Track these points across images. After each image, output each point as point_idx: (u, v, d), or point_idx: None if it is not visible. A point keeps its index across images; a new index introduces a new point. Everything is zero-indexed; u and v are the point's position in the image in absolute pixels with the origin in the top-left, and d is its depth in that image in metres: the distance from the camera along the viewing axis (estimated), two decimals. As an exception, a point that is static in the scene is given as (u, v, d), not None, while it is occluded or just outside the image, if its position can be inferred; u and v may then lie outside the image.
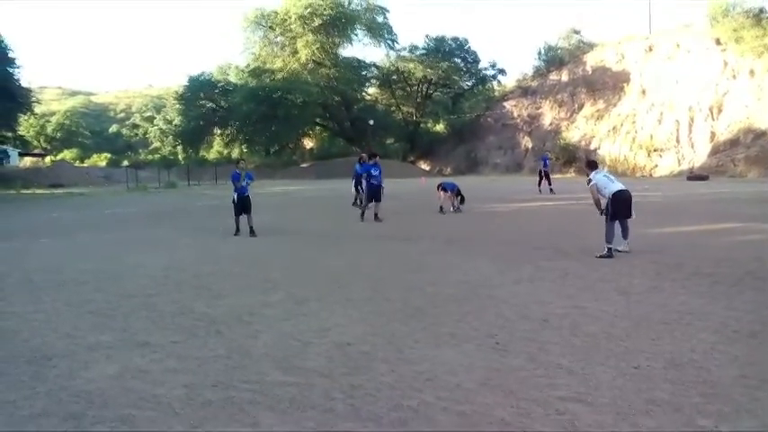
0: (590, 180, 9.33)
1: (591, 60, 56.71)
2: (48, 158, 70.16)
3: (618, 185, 9.10)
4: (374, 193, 14.85)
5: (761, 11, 42.75)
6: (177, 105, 67.22)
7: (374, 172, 15.17)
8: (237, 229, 12.47)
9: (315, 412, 3.51)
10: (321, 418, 3.42)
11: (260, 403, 3.66)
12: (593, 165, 9.93)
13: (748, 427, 3.19)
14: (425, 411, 3.49)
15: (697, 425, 3.23)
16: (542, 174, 24.31)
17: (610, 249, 8.71)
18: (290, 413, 3.51)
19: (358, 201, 17.38)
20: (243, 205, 12.60)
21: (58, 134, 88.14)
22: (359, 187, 17.35)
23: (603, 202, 9.15)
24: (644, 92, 49.85)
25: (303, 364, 4.35)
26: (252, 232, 12.25)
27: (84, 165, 71.28)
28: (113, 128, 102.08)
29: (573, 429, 3.23)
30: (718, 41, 44.72)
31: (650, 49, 51.64)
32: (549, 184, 23.89)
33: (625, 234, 9.13)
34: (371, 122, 58.57)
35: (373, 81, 71.88)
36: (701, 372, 4.02)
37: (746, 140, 38.38)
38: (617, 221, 9.00)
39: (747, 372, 3.99)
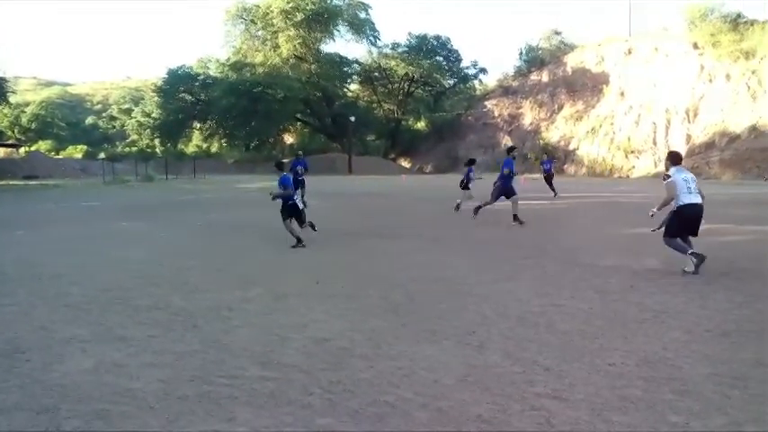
0: (667, 176, 7.75)
1: (571, 61, 57.30)
2: (22, 149, 68.77)
3: (693, 198, 7.45)
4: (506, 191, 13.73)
5: (738, 16, 43.57)
6: (156, 98, 66.49)
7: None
8: (299, 240, 9.97)
9: (292, 407, 3.51)
10: (299, 414, 3.42)
11: (237, 398, 3.64)
12: (677, 158, 7.99)
13: (718, 425, 3.26)
14: (403, 407, 3.51)
15: (669, 422, 3.30)
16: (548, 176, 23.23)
17: (694, 254, 7.36)
18: (267, 408, 3.50)
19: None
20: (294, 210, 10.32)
21: (33, 125, 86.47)
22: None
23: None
24: (622, 94, 50.53)
25: (281, 360, 4.34)
26: (312, 226, 10.46)
27: (60, 156, 70.16)
28: (90, 119, 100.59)
29: (548, 425, 3.27)
30: (695, 45, 45.47)
31: (629, 52, 52.33)
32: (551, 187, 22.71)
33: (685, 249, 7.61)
34: (353, 119, 58.52)
35: (355, 77, 71.84)
36: (673, 369, 4.10)
37: (721, 144, 39.12)
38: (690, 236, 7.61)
39: (719, 370, 4.08)
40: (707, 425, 3.25)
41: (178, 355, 4.46)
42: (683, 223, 7.48)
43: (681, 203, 7.44)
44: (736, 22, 43.36)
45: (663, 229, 7.69)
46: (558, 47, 60.97)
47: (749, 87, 40.77)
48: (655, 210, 7.87)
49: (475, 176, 17.12)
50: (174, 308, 5.87)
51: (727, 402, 3.54)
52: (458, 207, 16.25)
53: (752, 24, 42.85)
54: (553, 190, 22.31)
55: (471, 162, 18.39)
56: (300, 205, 10.38)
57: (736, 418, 3.32)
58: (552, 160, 24.84)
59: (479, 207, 13.98)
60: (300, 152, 22.16)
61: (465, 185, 17.09)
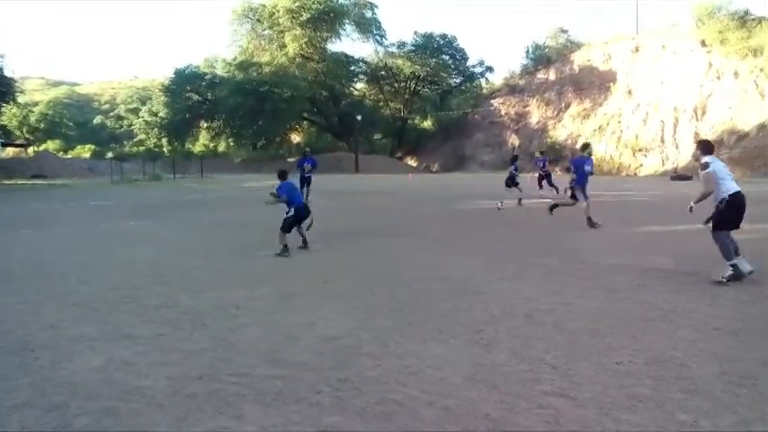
0: (706, 164, 6.96)
1: (578, 60, 57.13)
2: (30, 149, 69.23)
3: (735, 184, 6.92)
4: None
5: (746, 13, 43.29)
6: (163, 97, 66.78)
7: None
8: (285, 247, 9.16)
9: (300, 405, 3.52)
10: (307, 412, 3.43)
11: (245, 396, 3.66)
12: (708, 147, 7.28)
13: (727, 424, 3.24)
14: (410, 405, 3.51)
15: (677, 420, 3.28)
16: (542, 175, 22.12)
17: (735, 267, 6.71)
18: (275, 406, 3.51)
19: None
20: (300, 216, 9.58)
21: (41, 124, 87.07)
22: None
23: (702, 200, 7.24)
24: (630, 92, 50.33)
25: (289, 358, 4.35)
26: (304, 243, 9.70)
27: (68, 156, 70.56)
28: (97, 119, 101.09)
29: (556, 424, 3.26)
30: (703, 43, 45.24)
31: (636, 50, 52.11)
32: (540, 187, 21.79)
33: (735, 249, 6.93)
34: (359, 118, 58.61)
35: (361, 76, 71.92)
36: (682, 368, 4.08)
37: (730, 141, 38.92)
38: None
39: (727, 369, 4.06)
40: (716, 424, 3.24)
41: (186, 353, 4.48)
42: (733, 213, 6.78)
43: (731, 191, 6.77)
44: (744, 20, 43.10)
45: (710, 222, 7.01)
46: (564, 45, 60.82)
47: (757, 85, 40.54)
48: (692, 204, 7.17)
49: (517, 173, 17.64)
50: (181, 306, 5.89)
51: (736, 401, 3.52)
52: (520, 202, 16.61)
53: (760, 22, 42.57)
54: (555, 188, 21.13)
55: (515, 159, 18.84)
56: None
57: (745, 417, 3.31)
58: (546, 159, 23.45)
59: (555, 206, 12.97)
60: (308, 149, 21.97)
61: (511, 183, 17.22)
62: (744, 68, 41.96)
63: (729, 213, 6.78)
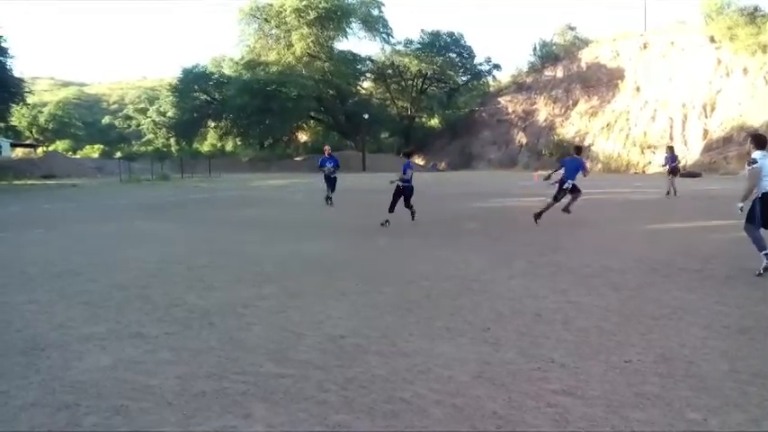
0: (754, 161, 7.00)
1: (586, 57, 56.91)
2: (40, 149, 69.71)
3: None
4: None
5: (755, 9, 42.95)
6: (171, 97, 67.05)
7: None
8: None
9: (308, 404, 3.52)
10: (314, 410, 3.44)
11: (253, 395, 3.67)
12: (761, 142, 7.23)
13: (737, 421, 3.23)
14: (418, 403, 3.51)
15: (686, 418, 3.27)
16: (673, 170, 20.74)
17: None
18: (283, 405, 3.52)
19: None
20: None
21: (51, 125, 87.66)
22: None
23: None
24: (638, 89, 50.08)
25: (297, 356, 4.36)
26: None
27: (77, 156, 70.97)
28: (106, 119, 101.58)
29: (564, 422, 3.25)
30: (712, 39, 44.94)
31: (645, 47, 51.84)
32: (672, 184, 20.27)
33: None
34: (366, 116, 58.63)
35: (368, 75, 71.94)
36: (690, 366, 4.06)
37: (739, 138, 38.63)
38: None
39: (737, 366, 4.03)
40: (725, 422, 3.22)
41: (195, 351, 4.50)
42: (761, 211, 6.94)
43: (765, 190, 6.92)
44: (754, 15, 42.76)
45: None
46: (572, 42, 60.58)
47: (767, 81, 40.20)
48: (741, 204, 7.13)
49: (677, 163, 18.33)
50: (190, 305, 5.92)
51: (746, 399, 3.50)
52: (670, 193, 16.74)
53: (769, 17, 42.20)
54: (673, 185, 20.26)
55: (670, 148, 20.14)
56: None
57: (755, 415, 3.29)
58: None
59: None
60: (328, 147, 20.66)
61: (672, 170, 18.97)
62: (753, 65, 41.64)
63: (758, 210, 6.96)
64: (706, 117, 43.33)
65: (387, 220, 12.04)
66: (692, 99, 44.40)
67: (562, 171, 12.46)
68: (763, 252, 6.90)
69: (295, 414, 3.39)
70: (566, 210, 12.76)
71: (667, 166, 20.68)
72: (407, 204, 12.42)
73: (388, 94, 70.70)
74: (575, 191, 12.46)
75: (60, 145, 79.40)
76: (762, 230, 7.06)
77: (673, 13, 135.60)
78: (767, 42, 40.98)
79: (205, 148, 72.85)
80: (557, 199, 12.39)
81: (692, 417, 3.28)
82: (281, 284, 6.86)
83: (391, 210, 12.25)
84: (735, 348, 4.42)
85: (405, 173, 12.54)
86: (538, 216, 12.29)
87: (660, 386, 3.72)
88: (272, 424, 3.27)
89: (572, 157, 12.93)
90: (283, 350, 4.51)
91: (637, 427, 3.18)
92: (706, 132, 42.51)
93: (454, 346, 4.59)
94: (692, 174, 36.31)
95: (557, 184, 12.42)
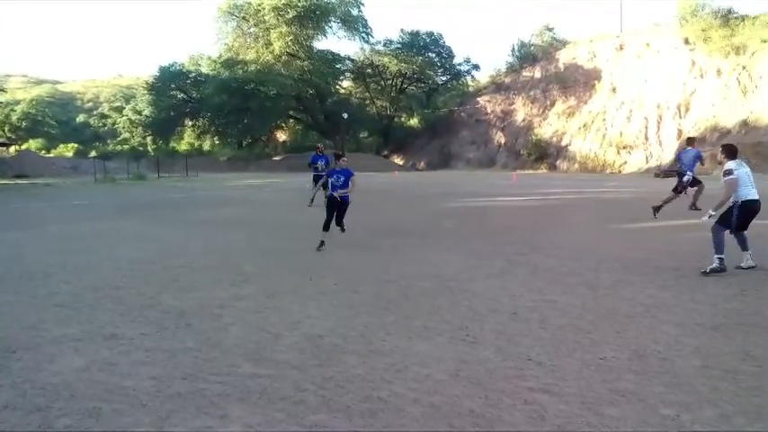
0: (729, 171, 7.08)
1: (563, 58, 57.50)
2: (12, 148, 68.28)
3: (755, 191, 7.14)
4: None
5: (729, 11, 43.78)
6: (147, 95, 66.19)
7: None
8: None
9: (285, 404, 3.50)
10: (291, 410, 3.42)
11: (230, 395, 3.64)
12: (732, 151, 7.41)
13: (709, 417, 3.28)
14: (396, 402, 3.51)
15: (659, 414, 3.32)
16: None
17: (722, 261, 6.99)
18: (260, 405, 3.50)
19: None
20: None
21: (23, 123, 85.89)
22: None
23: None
24: (614, 90, 50.74)
25: (274, 357, 4.34)
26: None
27: (51, 155, 69.81)
28: (80, 118, 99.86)
29: (540, 420, 3.28)
30: (686, 41, 45.71)
31: (621, 48, 52.55)
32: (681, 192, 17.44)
33: (746, 245, 7.29)
34: (345, 116, 58.46)
35: (348, 74, 71.80)
36: (664, 363, 4.12)
37: (712, 139, 39.32)
38: (726, 231, 7.15)
39: (709, 363, 4.11)
40: (697, 417, 3.28)
41: (170, 352, 4.45)
42: (745, 217, 7.08)
43: (747, 198, 7.02)
44: (727, 18, 43.59)
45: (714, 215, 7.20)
46: (550, 43, 61.15)
47: (740, 82, 41.02)
48: (713, 212, 7.18)
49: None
50: (165, 306, 5.85)
51: (718, 395, 3.57)
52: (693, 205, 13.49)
53: (742, 20, 43.07)
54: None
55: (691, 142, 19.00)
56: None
57: (726, 411, 3.35)
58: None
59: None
60: (320, 144, 19.68)
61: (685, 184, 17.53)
62: (726, 66, 42.44)
63: (743, 218, 7.06)
64: (680, 118, 44.06)
65: (322, 242, 9.44)
66: (667, 100, 45.12)
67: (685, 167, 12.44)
68: (718, 256, 6.99)
69: (272, 414, 3.37)
70: (693, 207, 12.67)
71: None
72: (340, 222, 9.88)
73: (367, 94, 70.66)
74: (695, 183, 12.51)
75: (33, 144, 78.03)
76: (727, 234, 7.13)
77: (648, 14, 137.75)
78: (740, 44, 41.80)
79: (182, 147, 72.12)
80: (677, 191, 12.45)
81: (665, 412, 3.33)
82: (259, 284, 6.82)
83: (326, 227, 9.60)
84: (707, 345, 4.50)
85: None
86: (657, 209, 12.47)
87: (634, 383, 3.77)
88: (248, 424, 3.25)
89: (686, 150, 12.99)
90: (261, 350, 4.48)
91: (611, 423, 3.22)
92: (680, 133, 43.19)
93: (432, 344, 4.60)
94: (666, 173, 36.93)
95: (677, 177, 12.52)
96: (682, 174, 12.50)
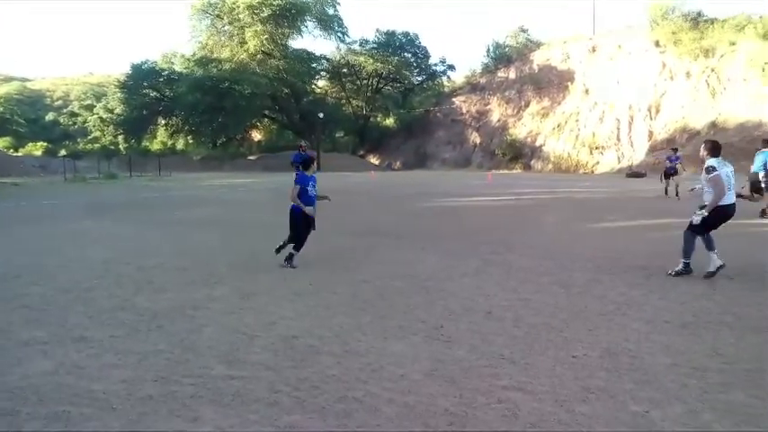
0: (712, 168, 6.80)
1: (537, 59, 58.12)
2: (-22, 147, 66.68)
3: (732, 197, 6.89)
4: None
5: (698, 14, 44.72)
6: (119, 93, 65.16)
7: None
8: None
9: (259, 405, 3.48)
10: (265, 412, 3.40)
11: (203, 397, 3.60)
12: (716, 148, 7.08)
13: (677, 413, 3.35)
14: (371, 402, 3.51)
15: (629, 411, 3.37)
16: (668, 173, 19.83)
17: (688, 265, 6.98)
18: (233, 407, 3.46)
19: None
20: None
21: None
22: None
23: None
24: (587, 91, 51.44)
25: (248, 358, 4.30)
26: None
27: (19, 154, 68.13)
28: (50, 116, 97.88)
29: (513, 418, 3.31)
30: (657, 43, 46.57)
31: (594, 50, 53.30)
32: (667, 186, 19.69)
33: (712, 245, 6.96)
34: (321, 115, 58.31)
35: (323, 74, 71.58)
36: (634, 360, 4.20)
37: (682, 140, 40.14)
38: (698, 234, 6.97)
39: (678, 360, 4.19)
40: (667, 413, 3.34)
41: (142, 355, 4.38)
42: (717, 221, 6.88)
43: (726, 202, 6.77)
44: (697, 21, 44.55)
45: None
46: (524, 44, 61.75)
47: (708, 85, 41.92)
48: (704, 213, 6.81)
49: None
50: (137, 308, 5.76)
51: (686, 391, 3.64)
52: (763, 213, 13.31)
53: (711, 23, 44.04)
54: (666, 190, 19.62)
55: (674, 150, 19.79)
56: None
57: (694, 407, 3.42)
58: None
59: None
60: (304, 143, 18.76)
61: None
62: (696, 69, 43.34)
63: (713, 221, 6.85)
64: (651, 119, 44.87)
65: (290, 262, 7.74)
66: (638, 101, 45.91)
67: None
68: (684, 260, 6.99)
69: (245, 416, 3.34)
70: (764, 214, 12.97)
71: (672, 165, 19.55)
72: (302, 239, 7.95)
73: (343, 94, 70.55)
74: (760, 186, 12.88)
75: (1, 142, 76.06)
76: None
77: (621, 17, 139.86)
78: (709, 47, 42.72)
79: (155, 146, 71.08)
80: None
81: (635, 409, 3.39)
82: (234, 285, 6.76)
83: (298, 245, 7.91)
84: (676, 342, 4.59)
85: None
86: (763, 214, 12.76)
87: (605, 380, 3.83)
88: (221, 426, 3.22)
89: (761, 151, 13.24)
90: (234, 352, 4.44)
91: (583, 420, 3.26)
92: (651, 134, 44.02)
93: (407, 344, 4.61)
94: (637, 174, 37.59)
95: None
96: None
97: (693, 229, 6.95)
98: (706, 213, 6.80)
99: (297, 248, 7.88)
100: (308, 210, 7.78)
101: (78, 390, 3.72)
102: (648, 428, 3.17)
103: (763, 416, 3.31)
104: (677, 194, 18.41)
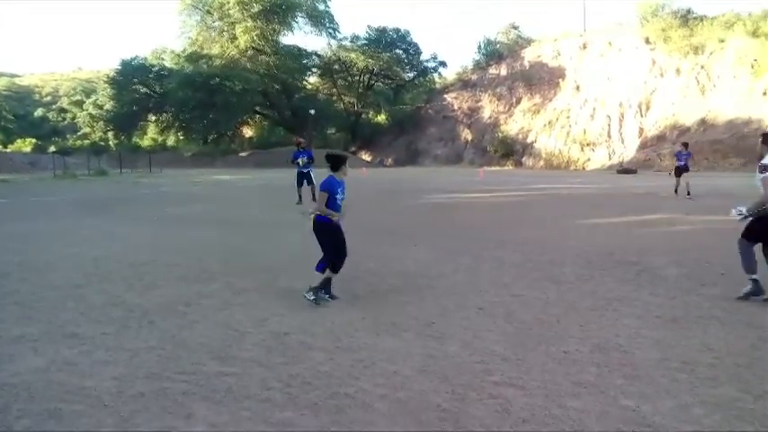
0: (765, 167, 5.56)
1: (529, 56, 58.17)
2: (-33, 143, 66.03)
3: None
4: None
5: (688, 12, 44.93)
6: (109, 89, 64.73)
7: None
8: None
9: (251, 402, 3.48)
10: (257, 408, 3.40)
11: (195, 394, 3.59)
12: None
13: (668, 407, 3.37)
14: (363, 398, 3.52)
15: (620, 405, 3.40)
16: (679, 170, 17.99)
17: (757, 282, 5.69)
18: (225, 403, 3.46)
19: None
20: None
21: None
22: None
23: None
24: (578, 88, 51.57)
25: (240, 355, 4.30)
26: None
27: (7, 150, 67.51)
28: (39, 112, 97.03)
29: (505, 413, 3.33)
30: (647, 40, 46.76)
31: (584, 47, 53.43)
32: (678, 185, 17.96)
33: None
34: (312, 112, 58.13)
35: (314, 70, 71.30)
36: (625, 355, 4.23)
37: (672, 136, 40.38)
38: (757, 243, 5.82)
39: (668, 355, 4.22)
40: (656, 408, 3.36)
41: (133, 352, 4.37)
42: (763, 228, 5.70)
43: None
44: (686, 18, 44.78)
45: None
46: (515, 41, 61.82)
47: (698, 82, 42.15)
48: (744, 211, 5.72)
49: None
50: (128, 304, 5.74)
51: (676, 386, 3.67)
52: None
53: (701, 20, 44.27)
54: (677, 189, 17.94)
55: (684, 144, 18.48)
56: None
57: (684, 401, 3.45)
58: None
59: None
60: (302, 139, 18.60)
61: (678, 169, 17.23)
62: (686, 65, 43.56)
63: (759, 226, 5.72)
64: (641, 116, 45.07)
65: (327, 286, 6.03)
66: (629, 98, 46.09)
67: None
68: (750, 276, 5.74)
69: (238, 413, 3.34)
70: None
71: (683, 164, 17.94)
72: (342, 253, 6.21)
73: (334, 90, 70.32)
74: None
75: (-11, 139, 75.44)
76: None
77: (611, 13, 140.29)
78: (699, 44, 42.95)
79: (145, 142, 70.71)
80: None
81: (625, 404, 3.42)
82: (225, 282, 6.74)
83: (337, 263, 6.06)
84: (666, 337, 4.62)
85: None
86: None
87: (596, 375, 3.85)
88: (213, 423, 3.22)
89: None
90: (226, 348, 4.44)
91: (574, 415, 3.29)
92: (641, 130, 44.22)
93: (399, 340, 4.62)
94: (628, 170, 37.78)
95: None
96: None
97: (744, 236, 5.84)
98: (745, 212, 5.71)
99: (334, 268, 5.97)
100: (334, 216, 6.03)
101: (70, 387, 3.70)
102: (639, 423, 3.20)
103: (753, 410, 3.35)
104: (688, 193, 16.99)
